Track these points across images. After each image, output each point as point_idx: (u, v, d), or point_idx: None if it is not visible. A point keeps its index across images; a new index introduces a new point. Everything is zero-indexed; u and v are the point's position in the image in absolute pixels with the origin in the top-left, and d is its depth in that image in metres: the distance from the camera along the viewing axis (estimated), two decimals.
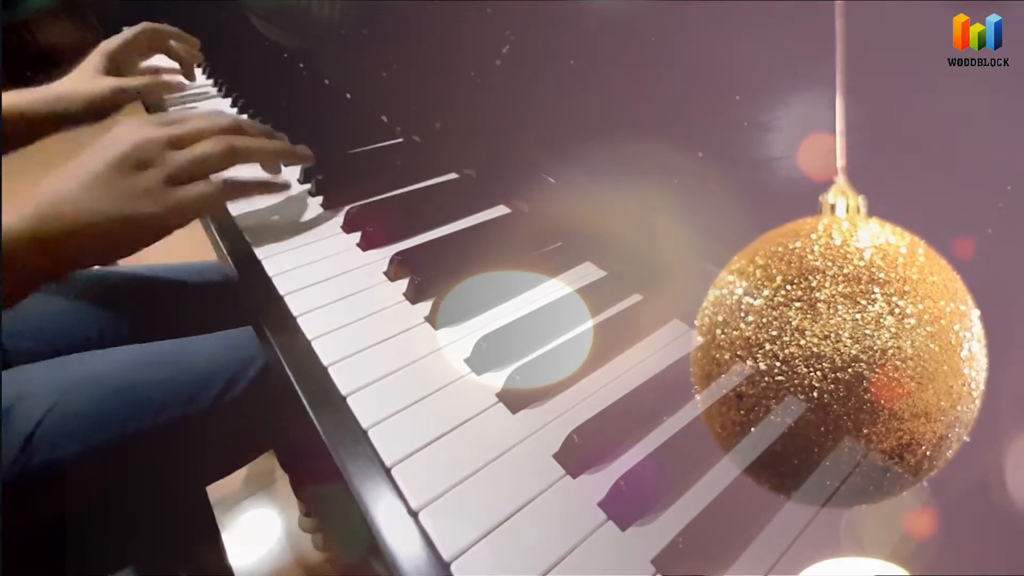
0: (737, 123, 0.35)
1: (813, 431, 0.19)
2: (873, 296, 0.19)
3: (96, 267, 0.91)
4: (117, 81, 0.70)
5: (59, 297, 0.62)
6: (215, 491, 0.67)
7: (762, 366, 0.20)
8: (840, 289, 0.19)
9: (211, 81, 0.90)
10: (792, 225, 0.22)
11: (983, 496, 0.26)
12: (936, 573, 0.25)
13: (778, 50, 0.33)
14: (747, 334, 0.20)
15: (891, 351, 0.18)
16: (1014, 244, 0.26)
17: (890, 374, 0.18)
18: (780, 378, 0.19)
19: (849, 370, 0.18)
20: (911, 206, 0.24)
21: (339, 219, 0.53)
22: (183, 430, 0.51)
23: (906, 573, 0.21)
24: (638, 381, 0.37)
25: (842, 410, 0.19)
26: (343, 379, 0.36)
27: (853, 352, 0.18)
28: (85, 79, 0.70)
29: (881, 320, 0.18)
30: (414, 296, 0.43)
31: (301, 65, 0.91)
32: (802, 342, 0.19)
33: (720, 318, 0.21)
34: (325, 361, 0.38)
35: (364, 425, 0.34)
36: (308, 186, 0.58)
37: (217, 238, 0.53)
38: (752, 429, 0.21)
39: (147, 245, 0.44)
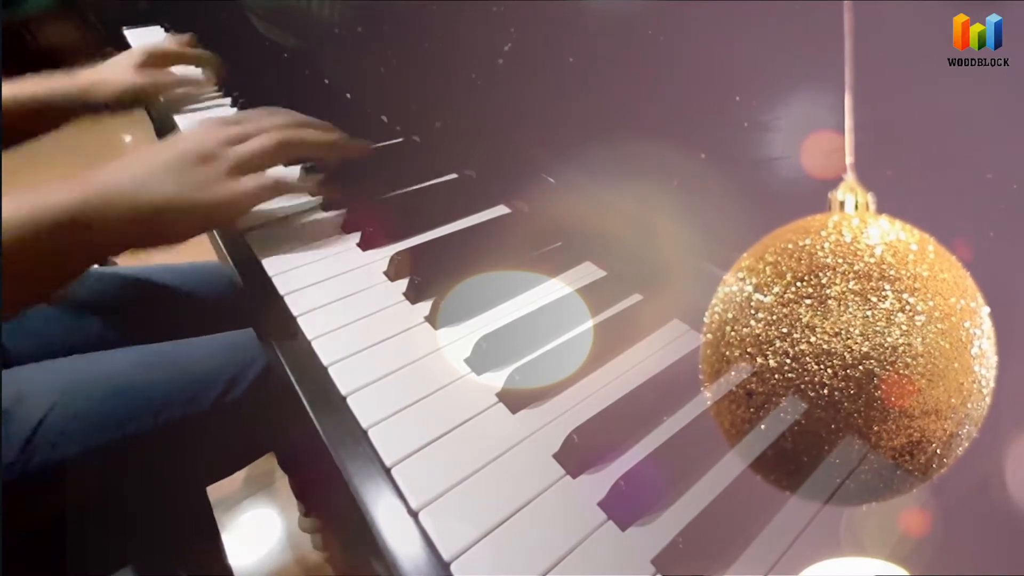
0: (737, 123, 0.35)
1: (823, 428, 0.19)
2: (884, 293, 0.19)
3: (96, 268, 0.91)
4: (152, 76, 0.71)
5: (60, 297, 0.62)
6: (215, 491, 0.67)
7: (772, 363, 0.20)
8: (851, 286, 0.19)
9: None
10: (801, 222, 0.22)
11: (983, 496, 0.26)
12: (936, 573, 0.25)
13: (778, 50, 0.33)
14: (757, 331, 0.20)
15: (902, 348, 0.18)
16: (1015, 244, 0.26)
17: (900, 371, 0.18)
18: (790, 375, 0.19)
19: (860, 367, 0.18)
20: (911, 206, 0.24)
21: (339, 219, 0.53)
22: (183, 431, 0.51)
23: (906, 573, 0.21)
24: (638, 381, 0.37)
25: (852, 407, 0.19)
26: (343, 379, 0.36)
27: (864, 349, 0.18)
28: (121, 70, 0.70)
29: (892, 317, 0.18)
30: (414, 296, 0.43)
31: (301, 65, 0.91)
32: (812, 339, 0.19)
33: (730, 315, 0.21)
34: (325, 361, 0.38)
35: (364, 425, 0.34)
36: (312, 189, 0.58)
37: (217, 238, 0.53)
38: (762, 427, 0.21)
39: (197, 233, 0.46)
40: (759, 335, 0.20)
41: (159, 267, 0.70)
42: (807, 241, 0.20)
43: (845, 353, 0.19)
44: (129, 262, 0.77)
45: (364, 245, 0.49)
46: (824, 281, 0.19)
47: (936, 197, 0.28)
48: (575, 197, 0.48)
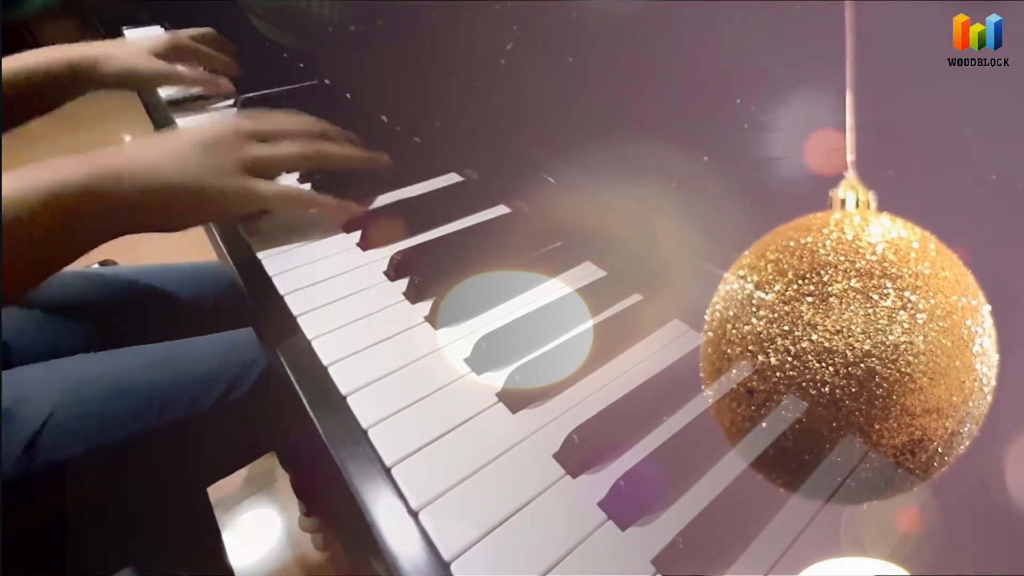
0: (737, 123, 0.35)
1: (824, 427, 0.19)
2: (885, 291, 0.19)
3: (97, 268, 0.91)
4: (163, 68, 0.69)
5: (61, 297, 0.62)
6: (215, 491, 0.67)
7: (773, 361, 0.20)
8: (852, 284, 0.19)
9: None
10: (803, 220, 0.22)
11: (983, 496, 0.26)
12: (936, 573, 0.25)
13: (778, 50, 0.33)
14: (758, 329, 0.20)
15: (903, 346, 0.18)
16: (1015, 244, 0.26)
17: (902, 369, 0.18)
18: (792, 373, 0.19)
19: (861, 365, 0.18)
20: (911, 206, 0.24)
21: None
22: (184, 431, 0.51)
23: (906, 573, 0.21)
24: (638, 381, 0.37)
25: (854, 405, 0.19)
26: (343, 379, 0.36)
27: (865, 347, 0.18)
28: (135, 52, 0.69)
29: (893, 315, 0.18)
30: (414, 296, 0.43)
31: (301, 65, 0.91)
32: (814, 337, 0.19)
33: (731, 313, 0.21)
34: (325, 361, 0.38)
35: (364, 425, 0.34)
36: (308, 186, 0.58)
37: (217, 238, 0.53)
38: (763, 425, 0.21)
39: (206, 221, 0.47)
40: (760, 333, 0.20)
41: (159, 267, 0.70)
42: (809, 239, 0.20)
43: (847, 351, 0.19)
44: (129, 262, 0.77)
45: (364, 245, 0.49)
46: (826, 279, 0.19)
47: (936, 197, 0.28)
48: (575, 197, 0.48)
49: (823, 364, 0.19)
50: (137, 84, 0.71)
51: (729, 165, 0.36)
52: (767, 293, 0.20)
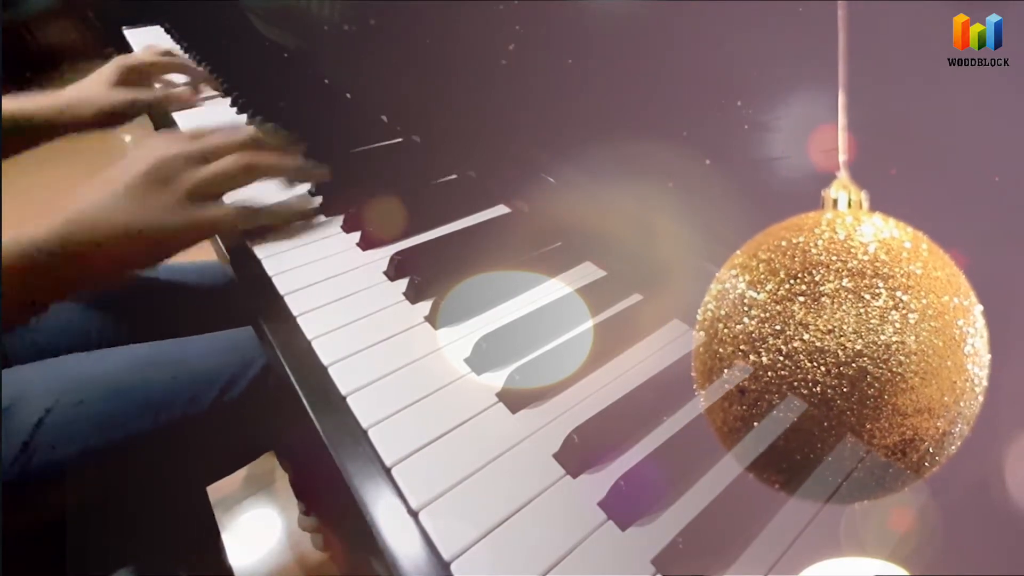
0: (737, 123, 0.35)
1: (816, 426, 0.19)
2: (877, 291, 0.19)
3: None
4: (130, 93, 0.71)
5: None
6: (215, 491, 0.67)
7: (765, 360, 0.20)
8: (844, 283, 0.19)
9: None
10: (795, 220, 0.22)
11: (983, 496, 0.26)
12: (936, 573, 0.25)
13: (778, 50, 0.33)
14: (750, 329, 0.20)
15: (895, 346, 0.18)
16: (1014, 244, 0.26)
17: (894, 369, 0.18)
18: (783, 373, 0.19)
19: (853, 365, 0.18)
20: (911, 206, 0.24)
21: (339, 218, 0.53)
22: (183, 430, 0.51)
23: (906, 573, 0.21)
24: (638, 381, 0.37)
25: (845, 405, 0.19)
26: (343, 379, 0.36)
27: (857, 347, 0.18)
28: (97, 89, 0.71)
29: (885, 315, 0.18)
30: (414, 296, 0.43)
31: (301, 65, 0.91)
32: (806, 336, 0.19)
33: (723, 312, 0.21)
34: (325, 361, 0.38)
35: (364, 425, 0.34)
36: (308, 186, 0.58)
37: (217, 238, 0.53)
38: (754, 424, 0.21)
39: (166, 259, 0.46)
40: (752, 332, 0.20)
41: (159, 266, 0.70)
42: (800, 238, 0.20)
43: (838, 351, 0.19)
44: None
45: (364, 245, 0.49)
46: (817, 278, 0.19)
47: (937, 196, 0.28)
48: (575, 197, 0.48)
49: (815, 364, 0.19)
50: (118, 118, 0.72)
51: (729, 165, 0.36)
52: (759, 293, 0.20)
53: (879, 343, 0.18)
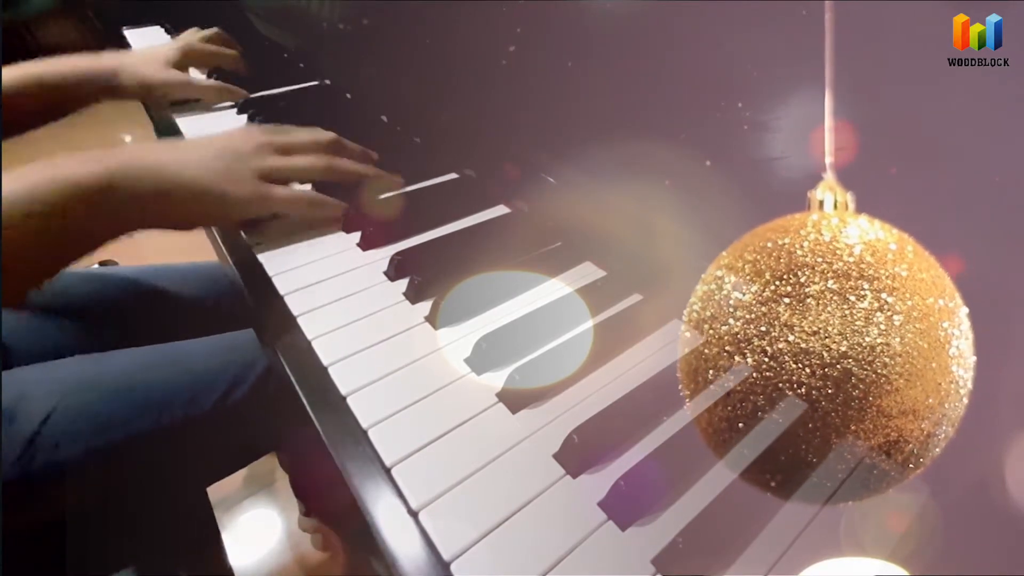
0: (737, 123, 0.35)
1: (801, 427, 0.19)
2: (862, 292, 0.19)
3: (97, 268, 0.91)
4: (179, 78, 0.71)
5: (61, 298, 0.62)
6: (215, 491, 0.67)
7: (750, 362, 0.20)
8: (829, 285, 0.19)
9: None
10: (781, 221, 0.22)
11: (983, 496, 0.26)
12: (936, 573, 0.25)
13: (778, 50, 0.33)
14: (735, 330, 0.20)
15: (880, 348, 0.18)
16: (1012, 244, 0.26)
17: (878, 371, 0.18)
18: (768, 374, 0.19)
19: (838, 366, 0.18)
20: (912, 206, 0.24)
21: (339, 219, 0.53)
22: (184, 431, 0.51)
23: (906, 573, 0.21)
24: (638, 381, 0.37)
25: (830, 406, 0.19)
26: (343, 379, 0.36)
27: (842, 348, 0.18)
28: (154, 64, 0.71)
29: (870, 317, 0.18)
30: (414, 296, 0.43)
31: (301, 65, 0.91)
32: (791, 338, 0.19)
33: (708, 313, 0.21)
34: (325, 361, 0.38)
35: (364, 425, 0.34)
36: (308, 187, 0.58)
37: (217, 238, 0.53)
38: (740, 425, 0.21)
39: (218, 223, 0.49)
40: (737, 333, 0.20)
41: (159, 267, 0.70)
42: (786, 240, 0.20)
43: (823, 352, 0.19)
44: (130, 262, 0.77)
45: (364, 245, 0.49)
46: (803, 280, 0.19)
47: (937, 196, 0.28)
48: (575, 197, 0.48)
49: (800, 365, 0.19)
50: (153, 96, 0.72)
51: (729, 165, 0.36)
52: (744, 294, 0.20)
53: (864, 345, 0.18)
